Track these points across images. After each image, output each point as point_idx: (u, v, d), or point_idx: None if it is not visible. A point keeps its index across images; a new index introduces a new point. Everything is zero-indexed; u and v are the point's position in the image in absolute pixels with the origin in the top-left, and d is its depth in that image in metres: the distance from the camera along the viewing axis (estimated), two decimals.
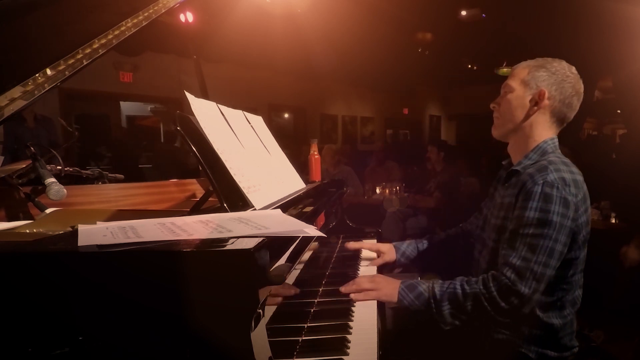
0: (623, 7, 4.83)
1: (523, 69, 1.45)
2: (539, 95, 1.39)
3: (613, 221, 3.42)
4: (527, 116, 1.42)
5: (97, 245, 0.74)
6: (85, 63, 1.07)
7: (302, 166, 1.95)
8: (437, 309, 1.30)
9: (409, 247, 1.82)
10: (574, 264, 1.35)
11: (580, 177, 1.35)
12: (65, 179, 1.47)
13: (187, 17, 5.36)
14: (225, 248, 0.72)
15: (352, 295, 1.36)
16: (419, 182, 5.38)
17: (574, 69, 1.44)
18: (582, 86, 1.43)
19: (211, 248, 0.74)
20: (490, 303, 1.26)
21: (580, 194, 1.31)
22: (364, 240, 1.89)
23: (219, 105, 1.30)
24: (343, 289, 1.38)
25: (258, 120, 1.63)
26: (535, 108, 1.41)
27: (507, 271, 1.26)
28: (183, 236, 0.77)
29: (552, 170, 1.30)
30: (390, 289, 1.36)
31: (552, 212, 1.25)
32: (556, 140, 1.44)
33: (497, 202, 1.47)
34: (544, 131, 1.43)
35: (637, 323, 2.68)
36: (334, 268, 1.68)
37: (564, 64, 1.43)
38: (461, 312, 1.29)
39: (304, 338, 1.11)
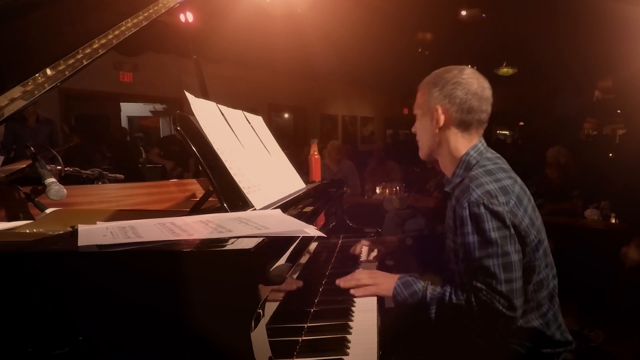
0: (623, 7, 4.82)
1: (420, 94, 1.45)
2: (436, 114, 1.39)
3: (613, 221, 3.41)
4: (437, 137, 1.42)
5: (97, 245, 0.74)
6: (85, 63, 1.07)
7: (302, 166, 1.95)
8: (425, 309, 1.33)
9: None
10: (534, 266, 1.32)
11: (508, 181, 1.31)
12: (65, 179, 1.47)
13: (187, 17, 5.36)
14: (225, 248, 0.72)
15: (351, 290, 1.38)
16: (419, 182, 5.37)
17: (467, 70, 1.38)
18: (482, 83, 1.37)
19: (211, 248, 0.74)
20: (474, 320, 1.27)
21: (511, 199, 1.27)
22: (362, 240, 1.89)
23: (219, 105, 1.30)
24: (342, 283, 1.40)
25: (258, 120, 1.63)
26: (437, 127, 1.40)
27: (480, 295, 1.25)
28: (183, 236, 0.77)
29: (474, 188, 1.27)
30: (388, 283, 1.39)
31: (488, 230, 1.23)
32: (480, 145, 1.40)
33: (445, 223, 1.46)
34: (459, 144, 1.40)
35: (637, 323, 2.67)
36: (334, 268, 1.68)
37: (455, 70, 1.38)
38: (446, 317, 1.31)
39: (304, 338, 1.11)
